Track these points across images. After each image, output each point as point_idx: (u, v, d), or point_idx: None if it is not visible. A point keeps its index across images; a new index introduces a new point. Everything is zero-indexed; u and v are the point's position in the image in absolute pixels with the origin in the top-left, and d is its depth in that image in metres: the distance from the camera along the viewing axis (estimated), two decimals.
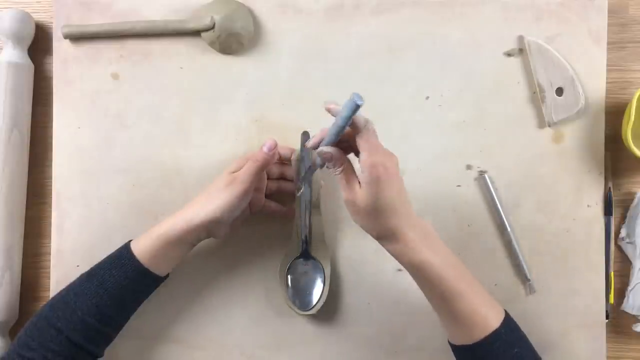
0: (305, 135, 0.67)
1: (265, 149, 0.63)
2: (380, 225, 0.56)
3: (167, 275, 0.65)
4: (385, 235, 0.57)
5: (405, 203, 0.57)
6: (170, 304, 0.71)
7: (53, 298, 0.63)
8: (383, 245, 0.58)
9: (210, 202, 0.62)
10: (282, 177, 0.70)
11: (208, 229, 0.62)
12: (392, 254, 0.58)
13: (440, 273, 0.56)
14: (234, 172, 0.63)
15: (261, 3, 0.72)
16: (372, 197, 0.55)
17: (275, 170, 0.69)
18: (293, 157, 0.68)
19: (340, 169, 0.57)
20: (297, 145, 0.68)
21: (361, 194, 0.55)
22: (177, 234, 0.61)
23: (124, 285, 0.61)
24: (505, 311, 0.59)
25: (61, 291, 0.62)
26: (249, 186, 0.62)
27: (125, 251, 0.62)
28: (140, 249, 0.62)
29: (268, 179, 0.69)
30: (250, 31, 0.71)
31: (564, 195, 0.71)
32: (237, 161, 0.65)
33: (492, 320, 0.57)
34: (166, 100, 0.72)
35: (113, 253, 0.63)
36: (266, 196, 0.69)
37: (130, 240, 0.63)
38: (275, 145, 0.64)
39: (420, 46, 0.71)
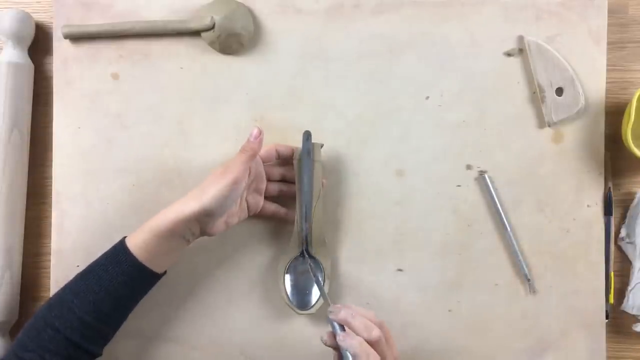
0: (307, 134, 0.67)
1: (251, 138, 0.64)
2: None
3: (164, 273, 0.65)
4: None
5: None
6: (169, 304, 0.71)
7: (50, 298, 0.62)
8: None
9: (201, 192, 0.62)
10: (283, 180, 0.70)
11: (199, 220, 0.62)
12: None
13: None
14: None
15: (261, 3, 0.72)
16: None
17: (276, 172, 0.69)
18: (294, 157, 0.68)
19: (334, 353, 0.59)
20: (298, 145, 0.68)
21: None
22: (169, 225, 0.61)
23: (120, 281, 0.61)
24: None
25: (58, 291, 0.62)
26: (239, 175, 0.62)
27: (120, 247, 0.62)
28: (135, 243, 0.62)
29: (268, 181, 0.69)
30: (250, 31, 0.71)
31: (564, 195, 0.71)
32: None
33: None
34: (166, 100, 0.72)
35: (109, 250, 0.63)
36: (267, 198, 0.69)
37: (126, 236, 0.63)
38: (260, 133, 0.65)
39: (420, 46, 0.71)
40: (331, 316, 0.59)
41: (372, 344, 0.56)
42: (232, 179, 0.62)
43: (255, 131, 0.65)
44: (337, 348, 0.58)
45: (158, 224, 0.61)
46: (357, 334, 0.57)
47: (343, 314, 0.58)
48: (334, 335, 0.58)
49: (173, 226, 0.61)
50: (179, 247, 0.64)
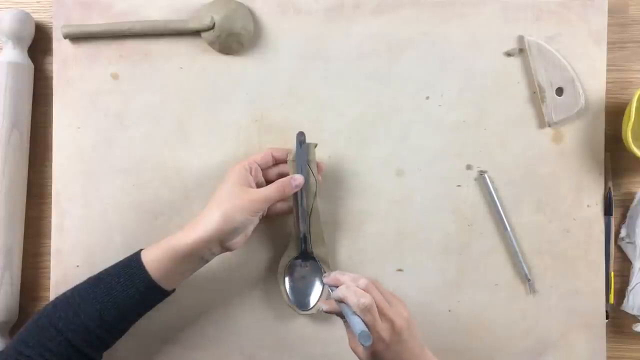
0: (301, 135, 0.67)
1: (294, 183, 0.65)
2: None
3: (174, 290, 0.64)
4: None
5: (405, 351, 0.60)
6: (169, 304, 0.71)
7: (57, 298, 0.62)
8: None
9: (225, 212, 0.61)
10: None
11: (222, 239, 0.61)
12: None
13: None
14: (253, 175, 0.65)
15: (261, 3, 0.72)
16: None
17: (272, 172, 0.69)
18: (289, 158, 0.68)
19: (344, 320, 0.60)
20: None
21: (362, 350, 0.59)
22: (188, 247, 0.60)
23: (130, 295, 0.60)
24: None
25: (66, 292, 0.62)
26: (272, 196, 0.64)
27: (135, 261, 0.61)
28: (151, 259, 0.61)
29: (266, 182, 0.69)
30: (250, 31, 0.71)
31: (564, 195, 0.71)
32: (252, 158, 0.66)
33: None
34: (166, 100, 0.72)
35: (123, 260, 0.62)
36: None
37: (142, 250, 0.62)
38: (301, 184, 0.66)
39: (420, 46, 0.71)
40: (325, 280, 0.64)
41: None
42: (264, 207, 0.64)
43: (297, 181, 0.66)
44: (338, 313, 0.60)
45: (177, 244, 0.61)
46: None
47: (333, 274, 0.63)
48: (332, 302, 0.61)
49: (193, 248, 0.61)
50: (195, 267, 0.63)
